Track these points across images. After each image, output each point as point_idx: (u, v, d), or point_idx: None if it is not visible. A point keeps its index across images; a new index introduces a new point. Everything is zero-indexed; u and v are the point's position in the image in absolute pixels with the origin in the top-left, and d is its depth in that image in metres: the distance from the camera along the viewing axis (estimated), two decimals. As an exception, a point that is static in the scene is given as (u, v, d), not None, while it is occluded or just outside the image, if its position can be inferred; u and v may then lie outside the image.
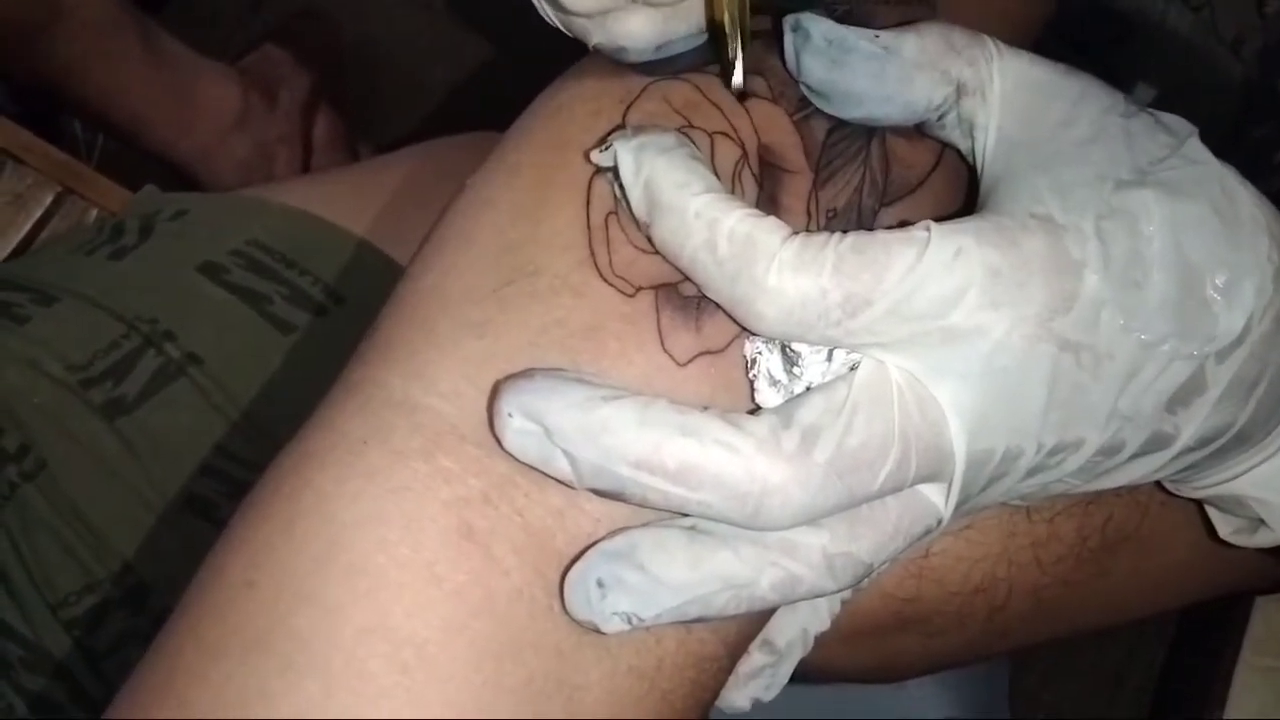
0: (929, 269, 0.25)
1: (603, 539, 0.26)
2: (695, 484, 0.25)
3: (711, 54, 0.31)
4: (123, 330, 0.51)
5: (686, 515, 0.26)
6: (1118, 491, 0.35)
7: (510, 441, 0.26)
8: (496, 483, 0.26)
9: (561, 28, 0.32)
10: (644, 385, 0.27)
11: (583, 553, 0.26)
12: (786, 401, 0.27)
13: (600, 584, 0.25)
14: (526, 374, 0.26)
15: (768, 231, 0.26)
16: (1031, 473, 0.27)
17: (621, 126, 0.30)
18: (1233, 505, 0.31)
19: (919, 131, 0.31)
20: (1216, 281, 0.26)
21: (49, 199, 0.70)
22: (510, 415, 0.25)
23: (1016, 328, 0.25)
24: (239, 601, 0.26)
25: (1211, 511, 0.32)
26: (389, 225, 0.55)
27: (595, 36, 0.30)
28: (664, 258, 0.27)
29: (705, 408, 0.26)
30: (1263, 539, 0.31)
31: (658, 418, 0.25)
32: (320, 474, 0.27)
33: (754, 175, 0.29)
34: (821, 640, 0.32)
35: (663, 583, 0.25)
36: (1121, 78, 0.70)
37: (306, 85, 0.90)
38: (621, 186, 0.28)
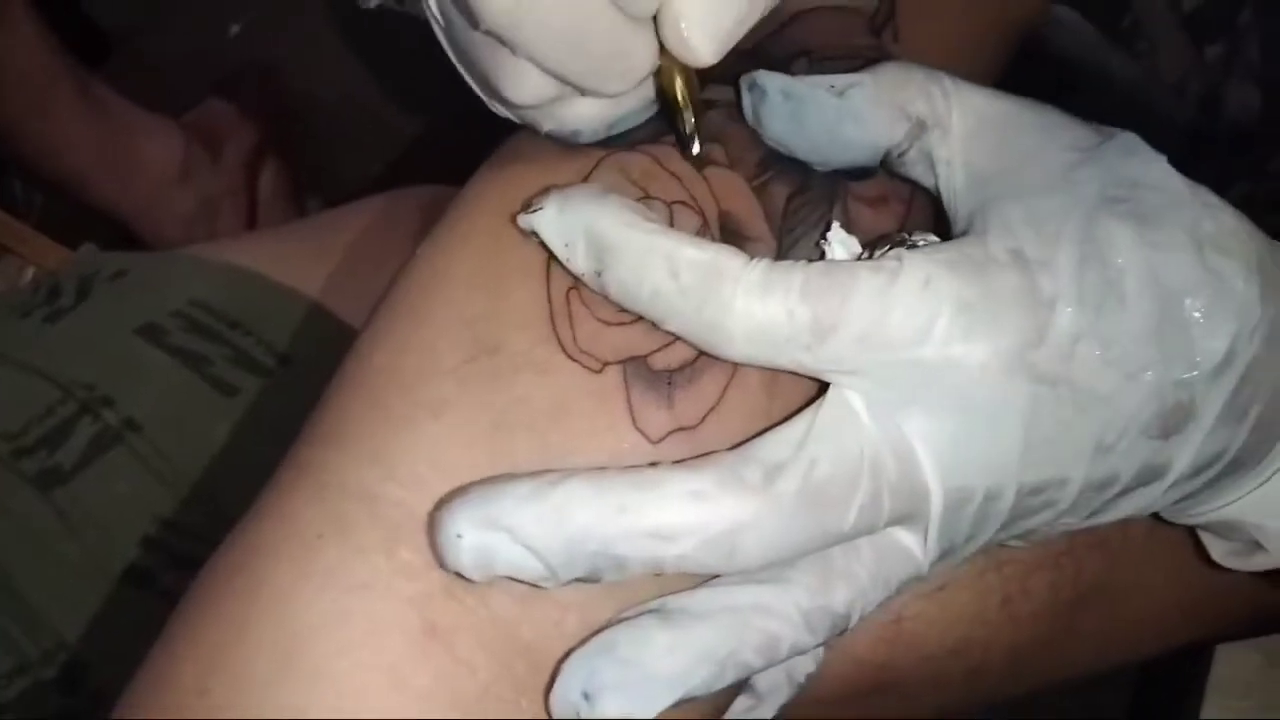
0: (898, 296, 0.25)
1: (575, 648, 0.25)
2: (668, 537, 0.24)
3: (666, 124, 0.30)
4: (58, 396, 0.49)
5: (657, 593, 0.26)
6: (1088, 543, 0.35)
7: (466, 563, 0.24)
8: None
9: (511, 117, 0.31)
10: (616, 465, 0.26)
11: (554, 653, 0.25)
12: (742, 442, 0.26)
13: (586, 696, 0.24)
14: (460, 490, 0.25)
15: (731, 256, 0.25)
16: (1017, 514, 0.26)
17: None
18: (1228, 530, 0.30)
19: (882, 198, 0.31)
20: (1195, 306, 0.26)
21: (-16, 259, 0.68)
22: (460, 536, 0.24)
23: (991, 361, 0.25)
24: (192, 710, 0.24)
25: (1205, 535, 0.31)
26: (336, 284, 0.54)
27: (546, 124, 0.30)
28: (620, 302, 0.27)
29: (653, 463, 0.26)
30: (1259, 563, 0.30)
31: (612, 483, 0.24)
32: (275, 570, 0.25)
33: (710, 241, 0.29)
34: (803, 694, 0.31)
35: (651, 677, 0.24)
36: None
37: (252, 139, 0.89)
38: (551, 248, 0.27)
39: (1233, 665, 0.59)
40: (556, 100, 0.29)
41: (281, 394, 0.50)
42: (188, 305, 0.52)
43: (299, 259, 0.56)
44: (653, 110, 0.31)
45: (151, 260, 0.57)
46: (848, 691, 0.32)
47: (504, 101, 0.29)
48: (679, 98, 0.29)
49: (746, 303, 0.25)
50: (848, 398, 0.25)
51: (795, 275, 0.25)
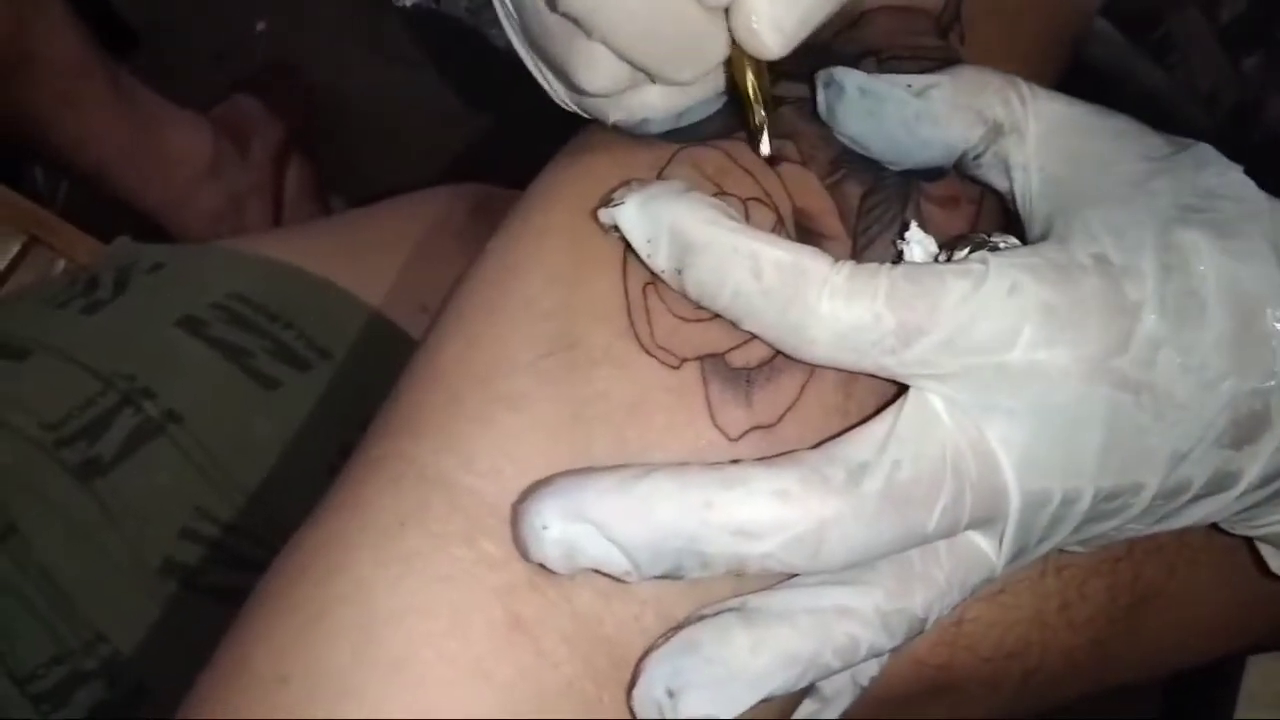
0: (984, 302, 0.25)
1: (658, 643, 0.25)
2: (754, 535, 0.24)
3: (737, 120, 0.30)
4: (99, 387, 0.49)
5: (735, 592, 0.25)
6: (1146, 549, 0.35)
7: (551, 556, 0.24)
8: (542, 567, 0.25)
9: (576, 109, 0.31)
10: (694, 462, 0.26)
11: (635, 647, 0.25)
12: (820, 442, 0.26)
13: (670, 694, 0.24)
14: (545, 482, 0.25)
15: (815, 258, 0.25)
16: (1090, 519, 0.26)
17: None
18: None
19: (953, 199, 0.31)
20: (1276, 316, 0.26)
21: (15, 249, 0.68)
22: (545, 528, 0.24)
23: (1074, 367, 0.25)
24: (271, 699, 0.24)
25: (1264, 547, 0.31)
26: (375, 278, 0.54)
27: (614, 114, 0.30)
28: (699, 301, 0.26)
29: (735, 460, 0.25)
30: None
31: (697, 479, 0.24)
32: (353, 557, 0.25)
33: (793, 240, 0.29)
34: (859, 701, 0.31)
35: (735, 676, 0.24)
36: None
37: (278, 135, 0.89)
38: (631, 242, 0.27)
39: (1264, 675, 0.59)
40: (628, 89, 0.29)
41: (324, 390, 0.50)
42: (226, 297, 0.52)
43: (337, 254, 0.55)
44: (721, 102, 0.30)
45: (189, 253, 0.57)
46: (906, 692, 0.32)
47: (576, 89, 0.29)
48: (749, 91, 0.29)
49: (832, 306, 0.25)
50: (929, 400, 0.25)
51: (881, 279, 0.25)
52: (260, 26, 1.05)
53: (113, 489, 0.47)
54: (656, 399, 0.27)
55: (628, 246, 0.27)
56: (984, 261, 0.25)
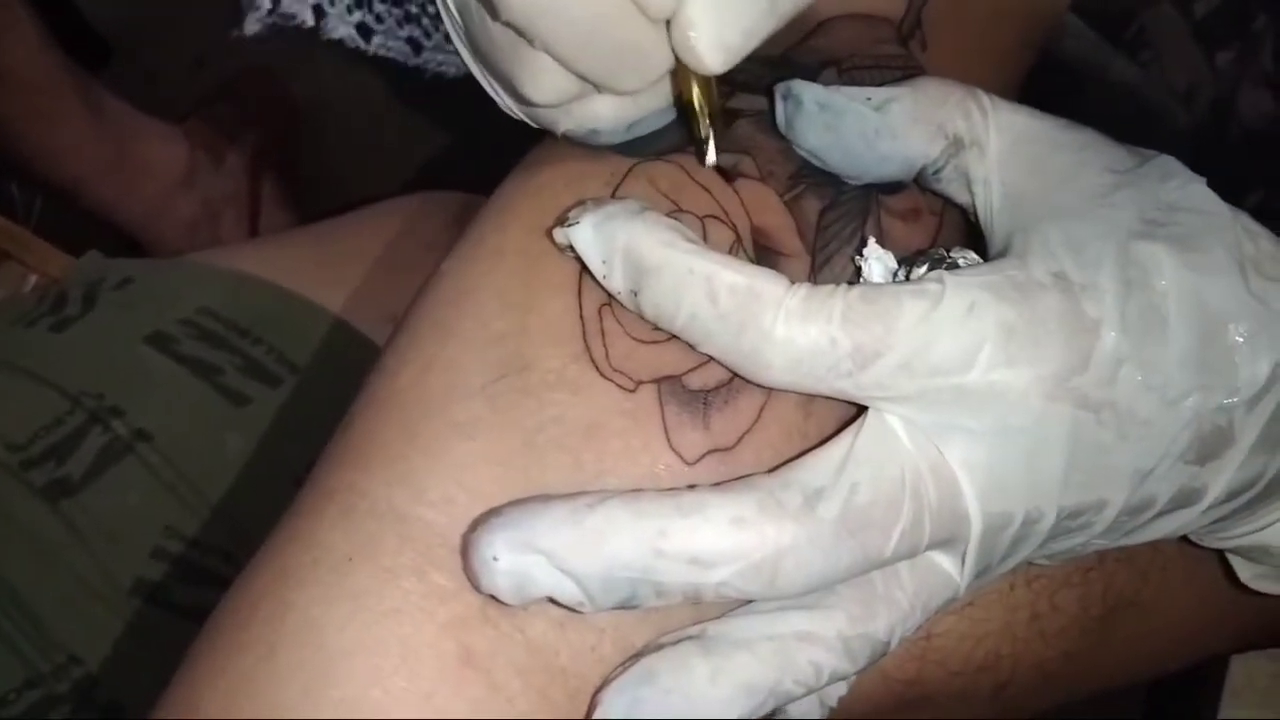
0: (942, 323, 0.24)
1: (616, 673, 0.24)
2: (709, 564, 0.23)
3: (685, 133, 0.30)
4: (66, 407, 0.48)
5: (694, 619, 0.25)
6: (1117, 557, 0.34)
7: (502, 587, 0.24)
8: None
9: (525, 119, 0.30)
10: (649, 486, 0.26)
11: (592, 678, 0.25)
12: (779, 465, 0.25)
13: None
14: (494, 512, 0.24)
15: (770, 281, 0.25)
16: (1053, 536, 0.26)
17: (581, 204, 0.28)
18: (1259, 554, 0.30)
19: (914, 212, 0.30)
20: (1238, 331, 0.25)
21: (-15, 266, 0.67)
22: (496, 559, 0.23)
23: (1034, 386, 0.24)
24: None
25: (1233, 558, 0.31)
26: (346, 290, 0.54)
27: (563, 124, 0.29)
28: (656, 323, 0.26)
29: (691, 485, 0.25)
30: None
31: (651, 507, 0.24)
32: (301, 594, 0.25)
33: (749, 259, 0.28)
34: (832, 713, 0.30)
35: (694, 706, 0.23)
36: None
37: (254, 144, 0.88)
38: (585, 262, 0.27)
39: (1248, 674, 0.59)
40: (575, 99, 0.28)
41: (294, 404, 0.49)
42: (196, 313, 0.52)
43: (309, 266, 0.55)
44: (674, 114, 0.30)
45: (158, 268, 0.57)
46: (875, 708, 0.32)
47: (522, 100, 0.29)
48: (695, 102, 0.28)
49: (787, 330, 0.24)
50: (888, 421, 0.25)
51: (836, 301, 0.24)
52: (236, 33, 1.04)
53: (82, 509, 0.47)
54: (612, 423, 0.26)
55: (583, 267, 0.27)
56: (940, 281, 0.25)
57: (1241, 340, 0.25)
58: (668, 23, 0.26)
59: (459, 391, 0.26)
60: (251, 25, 0.89)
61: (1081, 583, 0.34)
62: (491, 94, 0.30)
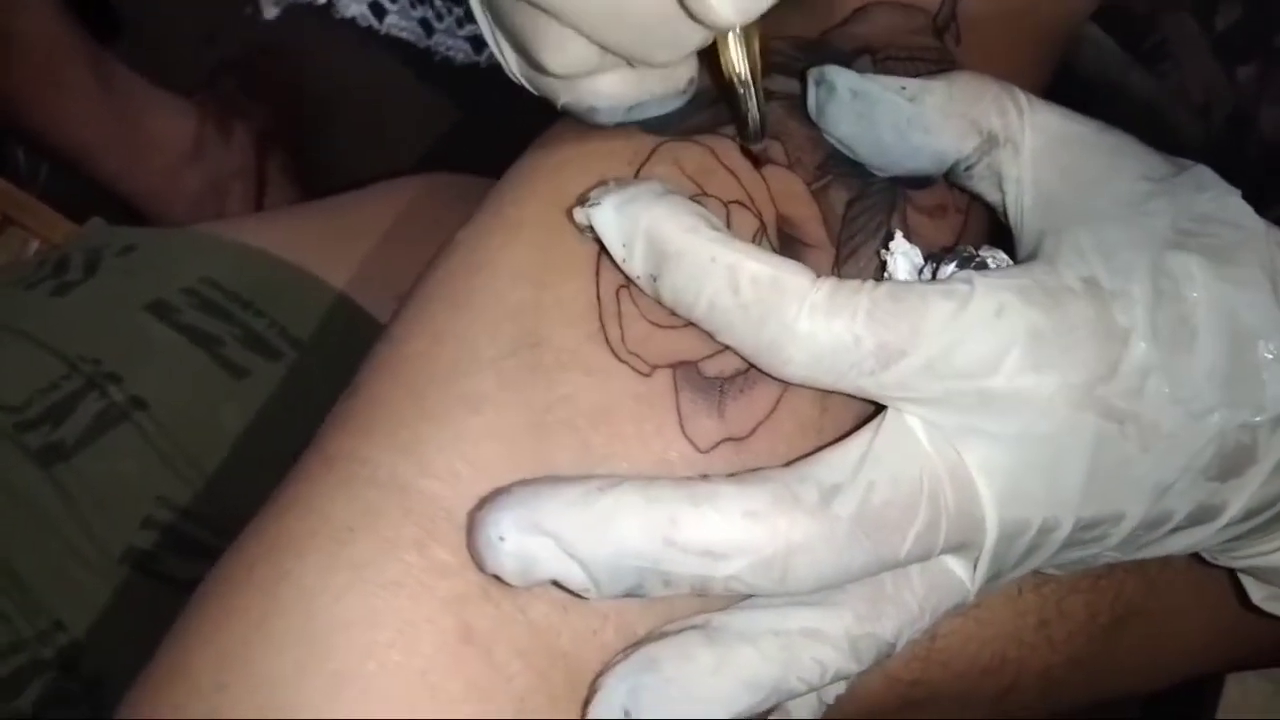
0: (969, 325, 0.24)
1: (617, 660, 0.24)
2: (720, 556, 0.23)
3: (722, 114, 0.29)
4: (64, 370, 0.48)
5: (699, 610, 0.25)
6: (1127, 567, 0.34)
7: (507, 568, 0.23)
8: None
9: (525, 84, 0.30)
10: (661, 473, 0.25)
11: (593, 663, 0.24)
12: (799, 459, 0.25)
13: (627, 712, 0.23)
14: (503, 490, 0.24)
15: (795, 273, 0.24)
16: (1068, 546, 0.26)
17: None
18: (1272, 576, 0.29)
19: (940, 208, 0.30)
20: (1268, 348, 0.25)
21: (-12, 229, 0.67)
22: (502, 539, 0.23)
23: (1060, 394, 0.24)
24: (207, 706, 0.23)
25: (1245, 578, 0.31)
26: (351, 266, 0.53)
27: (563, 96, 0.29)
28: (674, 309, 0.25)
29: (704, 475, 0.24)
30: None
31: (663, 495, 0.23)
32: (299, 563, 0.24)
33: (773, 248, 0.28)
34: (832, 710, 0.30)
35: (695, 698, 0.23)
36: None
37: (263, 120, 0.88)
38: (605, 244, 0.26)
39: (1243, 691, 0.58)
40: (589, 74, 0.28)
41: (294, 379, 0.49)
42: (199, 283, 0.51)
43: (314, 241, 0.54)
44: (681, 100, 0.29)
45: (162, 236, 0.56)
46: (877, 707, 0.31)
47: (539, 67, 0.28)
48: (744, 80, 0.27)
49: (811, 324, 0.24)
50: (908, 422, 0.24)
51: (862, 298, 0.24)
52: (248, 9, 1.04)
53: (75, 475, 0.46)
54: (625, 406, 0.26)
55: (602, 248, 0.26)
56: (970, 281, 0.24)
57: (1271, 357, 0.25)
58: None
59: (469, 364, 0.26)
60: (269, 8, 0.89)
61: (1090, 590, 0.33)
62: (495, 51, 0.29)
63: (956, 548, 0.25)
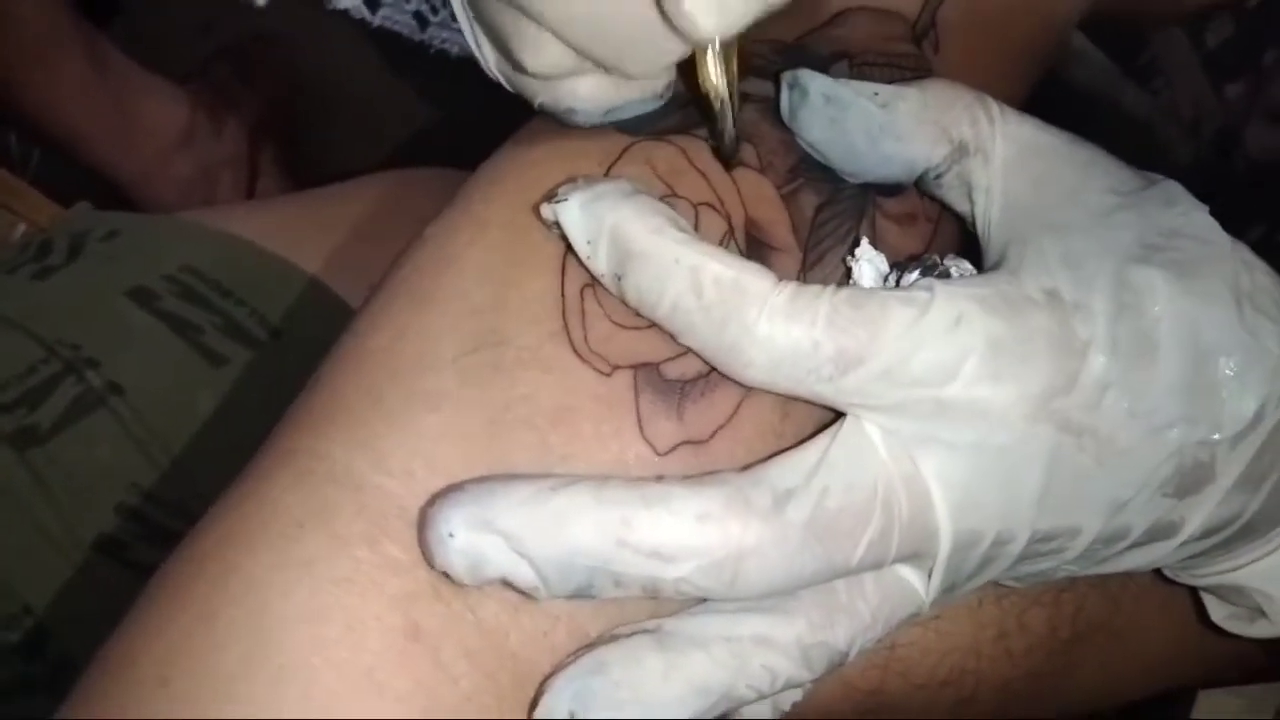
0: (928, 332, 0.24)
1: (566, 662, 0.24)
2: (670, 558, 0.23)
3: (696, 115, 0.29)
4: (42, 354, 0.48)
5: (652, 613, 0.25)
6: (1090, 581, 0.34)
7: (455, 565, 0.23)
8: None
9: (504, 83, 0.30)
10: (618, 474, 0.25)
11: (542, 664, 0.24)
12: (756, 463, 0.25)
13: (573, 715, 0.23)
14: (455, 487, 0.24)
15: (757, 276, 0.24)
16: (1024, 559, 0.26)
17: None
18: (1232, 594, 0.29)
19: (910, 216, 0.30)
20: (1228, 365, 0.25)
21: (-26, 211, 0.67)
22: (451, 535, 0.23)
23: (1016, 405, 0.24)
24: (150, 701, 0.23)
25: (1206, 597, 0.31)
26: (335, 259, 0.53)
27: (541, 96, 0.29)
28: (638, 309, 0.25)
29: (659, 477, 0.24)
30: (1260, 630, 0.30)
31: (616, 496, 0.23)
32: (249, 558, 0.24)
33: (740, 251, 0.28)
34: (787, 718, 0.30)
35: (643, 702, 0.23)
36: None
37: (256, 109, 0.87)
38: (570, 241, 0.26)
39: (1214, 709, 0.58)
40: (568, 75, 0.28)
41: (271, 368, 0.49)
42: (180, 270, 0.51)
43: (297, 231, 0.54)
44: (658, 103, 0.29)
45: (146, 222, 0.56)
46: (835, 715, 0.31)
47: (517, 66, 0.28)
48: (720, 92, 0.27)
49: (770, 329, 0.24)
50: (865, 429, 0.24)
51: (822, 303, 0.24)
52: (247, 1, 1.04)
53: (49, 459, 0.46)
54: (584, 406, 0.26)
55: (568, 246, 0.26)
56: (930, 289, 0.24)
57: (1231, 374, 0.25)
58: None
59: (430, 361, 0.26)
60: (256, -1, 0.89)
61: (1052, 604, 0.33)
62: (475, 51, 0.29)
63: (911, 557, 0.25)
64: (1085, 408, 0.24)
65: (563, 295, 0.26)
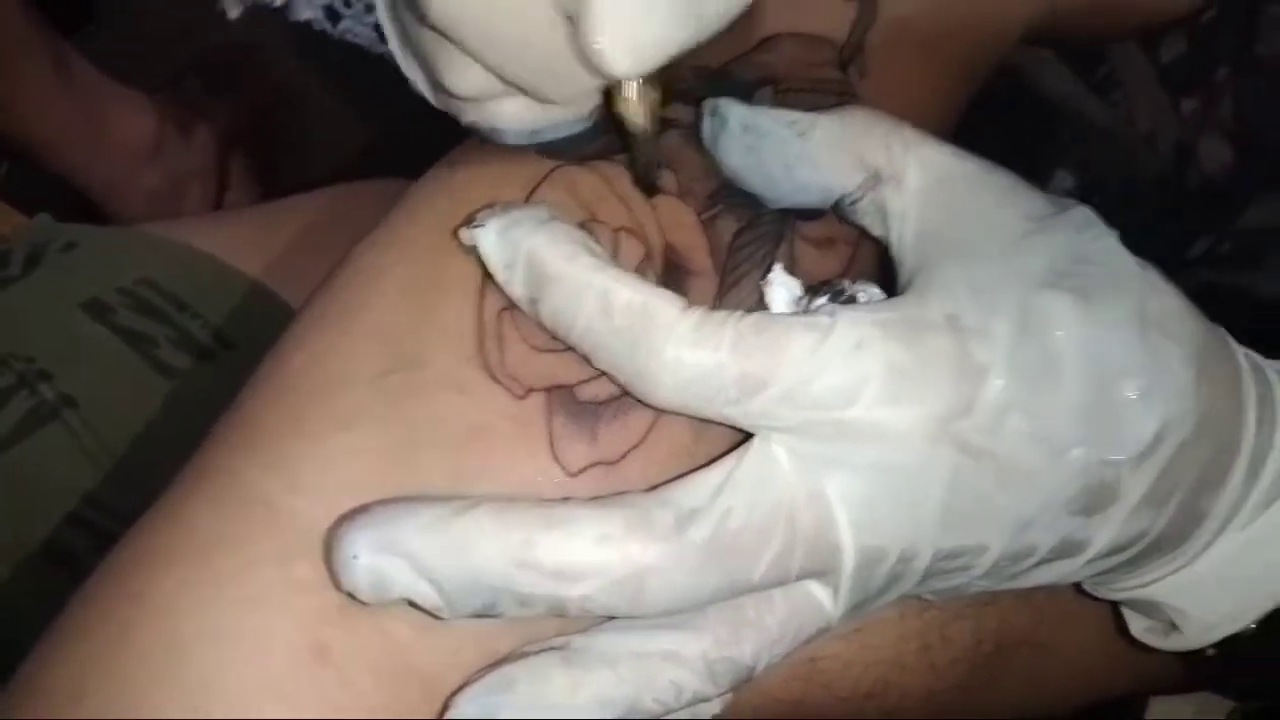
0: (828, 357, 0.24)
1: (473, 678, 0.24)
2: (572, 577, 0.23)
3: (618, 141, 0.30)
4: (-5, 367, 0.48)
5: (560, 630, 0.25)
6: (1014, 594, 0.34)
7: (360, 586, 0.23)
8: None
9: (433, 102, 0.30)
10: (528, 494, 0.26)
11: (450, 682, 0.24)
12: (663, 484, 0.25)
13: None
14: (362, 510, 0.24)
15: (666, 302, 0.25)
16: (930, 575, 0.26)
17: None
18: (1148, 609, 0.30)
19: (829, 240, 0.30)
20: (1131, 386, 0.25)
21: (-64, 222, 0.67)
22: (356, 557, 0.23)
23: (916, 427, 0.24)
24: (65, 716, 0.24)
25: (1125, 610, 0.31)
26: (287, 270, 0.53)
27: (469, 115, 0.29)
28: (554, 332, 0.26)
29: (565, 498, 0.25)
30: (1175, 643, 0.30)
31: (519, 518, 0.24)
32: (164, 575, 0.25)
33: (657, 276, 0.28)
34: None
35: (549, 717, 0.23)
36: (1043, 165, 0.71)
37: (226, 120, 0.88)
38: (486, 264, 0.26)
39: (1167, 712, 0.59)
40: (493, 98, 0.28)
41: (219, 377, 0.49)
42: (136, 283, 0.52)
43: (250, 243, 0.55)
44: (586, 124, 0.30)
45: (103, 235, 0.56)
46: (759, 727, 0.32)
47: (441, 88, 0.28)
48: (640, 123, 0.28)
49: (677, 352, 0.24)
50: (772, 450, 0.25)
51: (728, 329, 0.24)
52: (220, 8, 1.04)
53: (3, 471, 0.46)
54: (497, 427, 0.26)
55: (486, 270, 0.27)
56: (832, 314, 0.25)
57: (1134, 397, 0.25)
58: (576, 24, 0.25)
59: (347, 382, 0.26)
60: (232, 8, 0.89)
61: (974, 616, 0.34)
62: (404, 69, 0.30)
63: (816, 574, 0.25)
64: (984, 430, 0.25)
65: (480, 318, 0.27)
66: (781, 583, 0.25)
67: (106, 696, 0.23)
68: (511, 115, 0.29)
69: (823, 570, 0.25)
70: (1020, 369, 0.25)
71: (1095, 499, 0.26)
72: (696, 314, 0.25)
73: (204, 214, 0.82)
